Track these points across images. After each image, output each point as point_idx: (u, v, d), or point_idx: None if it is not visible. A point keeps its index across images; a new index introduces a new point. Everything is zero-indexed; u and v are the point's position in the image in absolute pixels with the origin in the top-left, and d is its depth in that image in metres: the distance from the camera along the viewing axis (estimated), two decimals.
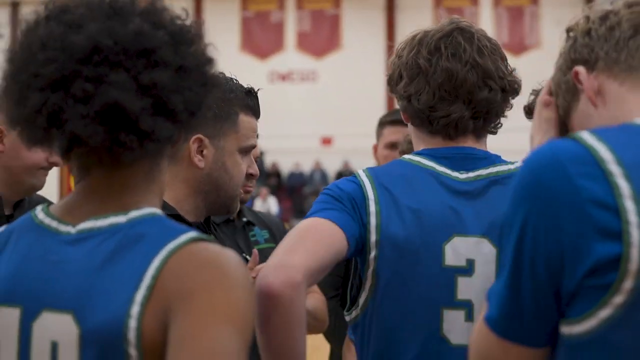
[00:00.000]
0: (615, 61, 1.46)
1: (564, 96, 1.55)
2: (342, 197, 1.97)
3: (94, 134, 1.40)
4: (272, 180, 22.04)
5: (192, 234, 1.42)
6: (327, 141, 23.50)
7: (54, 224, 1.50)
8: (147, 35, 1.42)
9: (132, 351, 1.36)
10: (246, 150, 2.26)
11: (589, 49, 1.48)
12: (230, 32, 22.83)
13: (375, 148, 3.83)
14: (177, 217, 2.09)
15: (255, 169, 2.33)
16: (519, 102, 2.15)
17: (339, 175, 22.88)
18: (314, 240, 1.84)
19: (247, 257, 2.94)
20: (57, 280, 1.43)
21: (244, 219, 3.29)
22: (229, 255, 1.42)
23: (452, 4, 22.63)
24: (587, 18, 1.51)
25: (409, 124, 2.13)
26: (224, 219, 3.16)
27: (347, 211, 1.93)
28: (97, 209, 1.48)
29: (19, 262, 1.48)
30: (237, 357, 1.32)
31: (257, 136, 2.33)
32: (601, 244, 1.24)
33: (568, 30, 1.54)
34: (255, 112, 2.29)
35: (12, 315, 1.45)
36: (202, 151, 2.17)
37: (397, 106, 2.26)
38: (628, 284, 1.23)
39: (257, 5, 23.66)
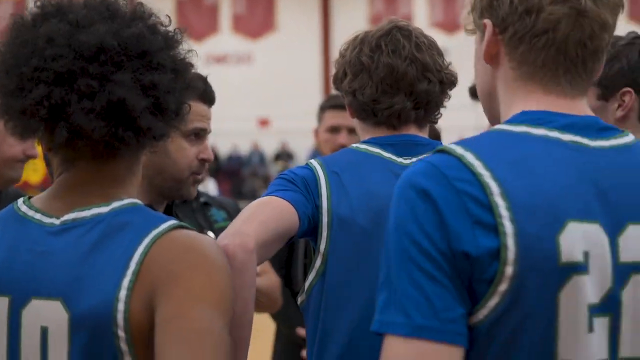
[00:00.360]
0: (516, 47, 1.47)
1: (476, 22, 1.56)
2: (296, 180, 2.06)
3: (97, 128, 1.49)
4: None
5: (173, 221, 1.52)
6: (264, 122, 23.51)
7: (37, 215, 1.57)
8: (147, 39, 1.52)
9: (121, 333, 1.45)
10: (193, 134, 2.30)
11: (505, 13, 1.47)
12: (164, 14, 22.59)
13: (317, 132, 3.90)
14: None
15: (207, 154, 2.35)
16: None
17: (277, 156, 22.89)
18: (266, 214, 1.93)
19: (210, 233, 3.10)
20: (45, 269, 1.51)
21: (201, 200, 3.37)
22: (208, 241, 1.54)
23: None
24: None
25: (354, 119, 2.24)
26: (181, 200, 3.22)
27: (301, 192, 2.03)
28: (80, 200, 1.55)
29: (5, 252, 1.55)
30: (219, 336, 1.43)
31: (207, 120, 2.36)
32: (482, 238, 1.34)
33: None
34: (202, 97, 2.34)
35: (1, 304, 1.52)
36: None
37: (334, 90, 2.34)
38: (509, 271, 1.33)
39: None
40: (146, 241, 1.48)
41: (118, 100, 1.48)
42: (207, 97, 2.38)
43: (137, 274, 1.45)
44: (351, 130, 3.52)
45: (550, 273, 1.34)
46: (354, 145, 2.20)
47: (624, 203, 1.42)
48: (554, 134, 1.43)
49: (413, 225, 1.36)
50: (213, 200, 3.45)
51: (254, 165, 22.90)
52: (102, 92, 1.48)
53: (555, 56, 1.46)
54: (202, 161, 2.34)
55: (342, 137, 3.67)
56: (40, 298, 1.50)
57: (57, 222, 1.54)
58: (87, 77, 1.48)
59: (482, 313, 1.35)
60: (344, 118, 3.51)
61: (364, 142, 2.18)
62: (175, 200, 2.54)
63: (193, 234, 1.53)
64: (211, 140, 2.44)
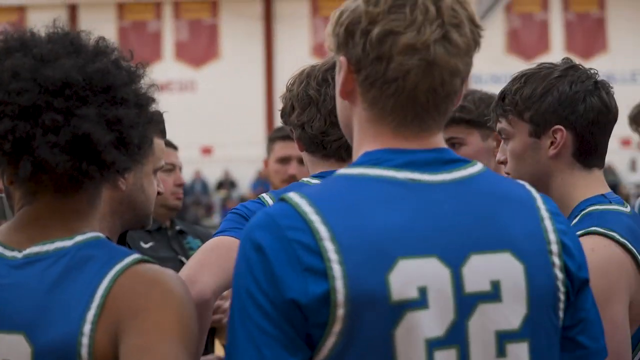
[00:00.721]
0: (368, 90, 1.46)
1: (334, 52, 1.53)
2: (248, 216, 2.09)
3: (61, 162, 1.49)
4: None
5: (136, 255, 1.53)
6: (207, 151, 23.24)
7: None
8: (111, 73, 1.54)
9: None
10: (159, 170, 2.37)
11: (358, 56, 1.45)
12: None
13: (266, 163, 3.93)
14: None
15: (160, 187, 2.41)
16: None
17: (220, 184, 22.79)
18: (221, 257, 1.95)
19: (183, 259, 3.29)
20: (7, 302, 1.50)
21: (177, 228, 3.52)
22: (172, 275, 1.55)
23: (328, 13, 22.68)
24: (372, 19, 1.43)
25: (303, 152, 2.27)
26: (156, 226, 3.40)
27: None
28: (42, 234, 1.56)
29: None
30: None
31: None
32: (313, 285, 1.36)
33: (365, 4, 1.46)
34: (164, 134, 2.43)
35: None
36: None
37: (279, 119, 2.37)
38: (340, 312, 1.36)
39: (133, 15, 23.24)
40: (111, 274, 1.49)
41: (83, 135, 1.49)
42: (165, 131, 2.45)
43: (101, 307, 1.46)
44: (301, 161, 3.52)
45: (382, 312, 1.36)
46: (305, 179, 2.22)
47: (465, 234, 1.43)
48: (390, 173, 1.44)
49: (248, 277, 1.40)
50: (189, 229, 3.61)
51: (196, 194, 22.74)
52: (67, 126, 1.49)
53: (405, 103, 1.45)
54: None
55: (293, 168, 3.74)
56: (2, 332, 1.49)
57: (19, 255, 1.54)
58: (52, 112, 1.49)
59: (323, 353, 1.37)
60: (294, 148, 3.53)
61: (314, 176, 2.20)
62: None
63: (157, 267, 1.54)
64: None
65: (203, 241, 3.36)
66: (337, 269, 1.36)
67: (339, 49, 1.49)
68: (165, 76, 22.44)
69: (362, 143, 1.51)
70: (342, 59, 1.48)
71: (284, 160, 3.80)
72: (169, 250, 3.40)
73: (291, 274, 1.37)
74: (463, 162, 1.50)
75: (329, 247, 1.37)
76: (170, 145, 3.38)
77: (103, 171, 1.54)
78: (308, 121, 2.17)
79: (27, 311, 1.48)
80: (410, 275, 1.37)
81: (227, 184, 22.66)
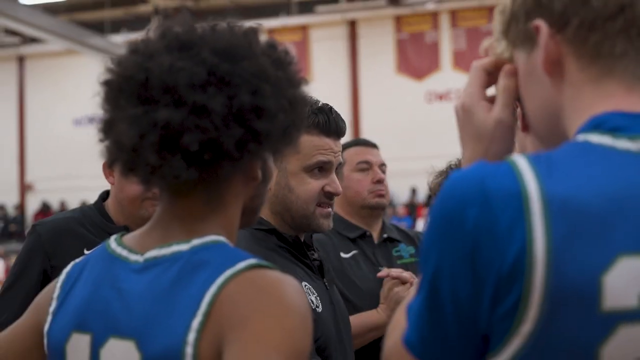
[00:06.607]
0: (585, 39, 1.20)
1: (517, 35, 1.29)
2: None
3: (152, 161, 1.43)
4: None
5: (252, 260, 1.42)
6: None
7: (124, 252, 1.54)
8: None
9: None
10: (317, 168, 2.33)
11: (563, 5, 1.21)
12: (385, 54, 23.10)
13: None
14: (272, 231, 2.33)
15: (334, 187, 2.34)
16: None
17: None
18: None
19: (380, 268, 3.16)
20: (123, 308, 1.46)
21: (385, 235, 3.37)
22: (288, 282, 1.41)
23: None
24: None
25: None
26: (359, 233, 3.30)
27: None
28: (163, 237, 1.51)
29: (90, 290, 1.52)
30: None
31: (332, 153, 2.36)
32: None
33: None
34: (324, 129, 2.33)
35: (83, 341, 1.50)
36: None
37: None
38: (532, 313, 1.10)
39: (411, 27, 23.15)
40: (219, 280, 1.39)
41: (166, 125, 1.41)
42: (332, 129, 2.35)
43: (207, 315, 1.37)
44: None
45: (588, 321, 1.09)
46: None
47: None
48: (623, 144, 1.16)
49: (436, 262, 1.21)
50: (402, 235, 3.45)
51: None
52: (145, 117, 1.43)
53: (638, 38, 1.19)
54: (329, 194, 2.33)
55: None
56: (117, 337, 1.45)
57: (140, 259, 1.50)
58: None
59: (506, 353, 1.14)
60: None
61: None
62: (350, 234, 3.04)
63: (274, 274, 1.42)
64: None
65: (418, 246, 3.24)
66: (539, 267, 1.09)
67: (528, 18, 1.25)
68: (445, 86, 22.71)
69: (583, 113, 1.21)
70: (538, 23, 1.23)
71: None
72: (369, 261, 3.25)
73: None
74: None
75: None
76: (367, 143, 3.42)
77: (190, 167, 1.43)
78: None
79: (139, 317, 1.43)
80: (632, 277, 1.08)
81: None
